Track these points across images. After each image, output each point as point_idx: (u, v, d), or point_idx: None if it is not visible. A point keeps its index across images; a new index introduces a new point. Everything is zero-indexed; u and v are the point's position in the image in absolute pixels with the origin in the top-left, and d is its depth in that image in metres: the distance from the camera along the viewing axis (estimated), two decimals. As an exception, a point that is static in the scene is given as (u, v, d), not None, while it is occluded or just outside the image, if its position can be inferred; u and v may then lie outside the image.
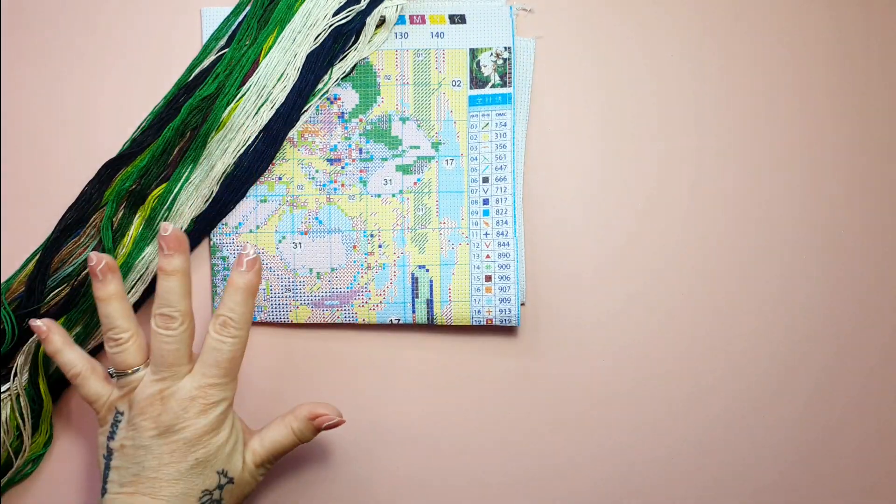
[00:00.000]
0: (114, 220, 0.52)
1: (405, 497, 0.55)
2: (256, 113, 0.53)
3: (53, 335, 0.49)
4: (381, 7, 0.54)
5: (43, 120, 0.55)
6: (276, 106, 0.53)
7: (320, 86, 0.54)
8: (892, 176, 0.56)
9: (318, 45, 0.53)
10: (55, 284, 0.52)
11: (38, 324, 0.49)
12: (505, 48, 0.55)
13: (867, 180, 0.56)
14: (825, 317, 0.55)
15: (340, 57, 0.54)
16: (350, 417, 0.55)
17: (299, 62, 0.53)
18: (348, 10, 0.53)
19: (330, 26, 0.53)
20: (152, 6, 0.55)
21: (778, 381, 0.55)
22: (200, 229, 0.54)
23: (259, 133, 0.53)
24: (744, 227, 0.56)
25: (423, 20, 0.55)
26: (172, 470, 0.45)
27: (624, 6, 0.56)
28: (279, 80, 0.53)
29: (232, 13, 0.54)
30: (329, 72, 0.54)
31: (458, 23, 0.55)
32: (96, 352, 0.54)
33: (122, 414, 0.47)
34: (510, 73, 0.55)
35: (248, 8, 0.54)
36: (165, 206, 0.52)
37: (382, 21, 0.54)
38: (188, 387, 0.46)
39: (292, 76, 0.53)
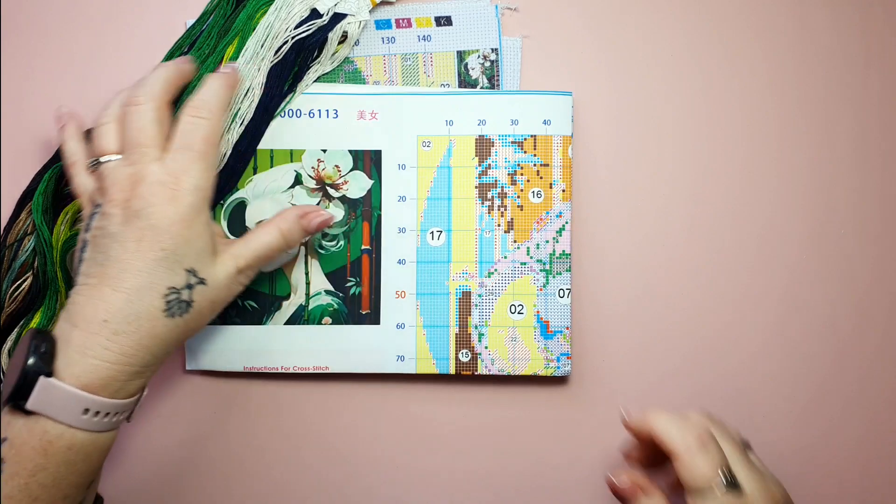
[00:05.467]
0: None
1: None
2: (227, 130, 0.51)
3: (71, 126, 0.48)
4: (343, 23, 0.52)
5: (26, 131, 0.54)
6: (245, 122, 0.52)
7: (284, 103, 0.53)
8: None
9: (280, 58, 0.51)
10: (14, 277, 0.51)
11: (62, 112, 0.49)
12: (492, 49, 0.54)
13: None
14: None
15: (304, 72, 0.53)
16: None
17: (262, 77, 0.51)
18: (310, 24, 0.51)
19: (293, 38, 0.51)
20: (138, 19, 0.54)
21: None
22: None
23: (231, 150, 0.52)
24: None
25: (409, 23, 0.55)
26: (137, 260, 0.43)
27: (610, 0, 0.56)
28: (245, 95, 0.51)
29: (196, 23, 0.53)
30: (294, 89, 0.53)
31: (445, 24, 0.55)
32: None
33: (99, 206, 0.45)
34: (498, 76, 0.55)
35: (210, 19, 0.52)
36: None
37: (345, 37, 0.53)
38: (157, 171, 0.44)
39: (257, 92, 0.51)
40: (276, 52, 0.51)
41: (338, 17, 0.52)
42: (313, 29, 0.52)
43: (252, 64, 0.51)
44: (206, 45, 0.52)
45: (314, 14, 0.52)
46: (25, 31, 0.54)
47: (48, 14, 0.55)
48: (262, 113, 0.52)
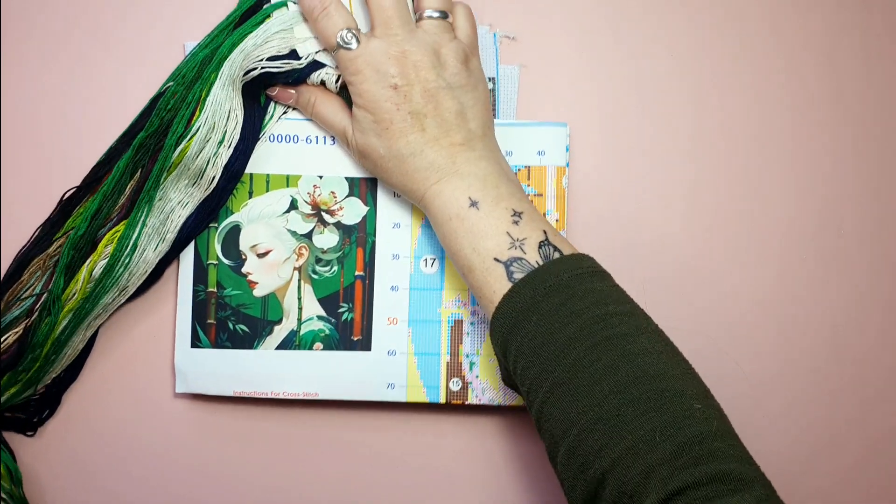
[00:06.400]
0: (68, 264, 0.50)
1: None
2: (216, 154, 0.51)
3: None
4: (321, 72, 0.52)
5: (19, 149, 0.54)
6: (233, 144, 0.51)
7: (267, 119, 0.53)
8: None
9: (250, 79, 0.51)
10: (3, 327, 0.50)
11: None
12: (489, 78, 0.55)
13: None
14: None
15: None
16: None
17: (239, 97, 0.51)
18: (285, 61, 0.51)
19: (262, 69, 0.51)
20: (136, 40, 0.55)
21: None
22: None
23: (221, 172, 0.51)
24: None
25: (406, 50, 0.55)
26: None
27: (607, 32, 0.55)
28: (228, 117, 0.51)
29: (194, 48, 0.52)
30: (272, 109, 0.53)
31: (442, 52, 0.55)
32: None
33: None
34: (494, 105, 0.55)
35: (202, 51, 0.51)
36: (126, 252, 0.50)
37: (323, 85, 0.52)
38: None
39: (239, 113, 0.51)
40: (247, 73, 0.51)
41: (316, 65, 0.52)
42: (287, 69, 0.51)
43: (228, 87, 0.50)
44: (189, 72, 0.51)
45: (292, 55, 0.51)
46: (25, 55, 0.55)
47: (47, 36, 0.55)
48: (249, 131, 0.52)
